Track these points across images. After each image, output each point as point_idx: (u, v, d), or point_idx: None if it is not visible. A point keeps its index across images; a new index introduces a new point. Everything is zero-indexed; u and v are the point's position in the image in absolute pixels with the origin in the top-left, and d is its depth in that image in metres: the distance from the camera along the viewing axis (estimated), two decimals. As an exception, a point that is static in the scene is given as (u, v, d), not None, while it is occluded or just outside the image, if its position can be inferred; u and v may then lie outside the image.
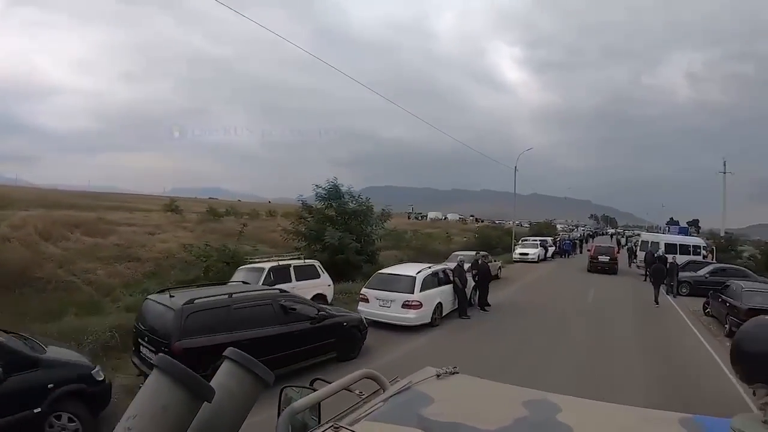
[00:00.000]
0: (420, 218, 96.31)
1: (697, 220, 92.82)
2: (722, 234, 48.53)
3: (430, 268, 16.54)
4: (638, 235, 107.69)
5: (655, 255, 27.44)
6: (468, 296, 17.92)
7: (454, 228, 63.60)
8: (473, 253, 23.08)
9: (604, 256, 33.55)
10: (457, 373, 2.16)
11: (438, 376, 2.09)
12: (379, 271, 16.84)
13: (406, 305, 14.78)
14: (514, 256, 39.09)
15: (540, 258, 39.72)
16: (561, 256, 45.49)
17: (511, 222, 56.15)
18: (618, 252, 37.54)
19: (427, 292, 15.38)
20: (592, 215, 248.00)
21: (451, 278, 17.14)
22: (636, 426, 1.75)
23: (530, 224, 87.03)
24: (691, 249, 33.88)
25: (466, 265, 18.28)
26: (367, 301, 15.33)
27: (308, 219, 23.61)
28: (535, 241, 43.57)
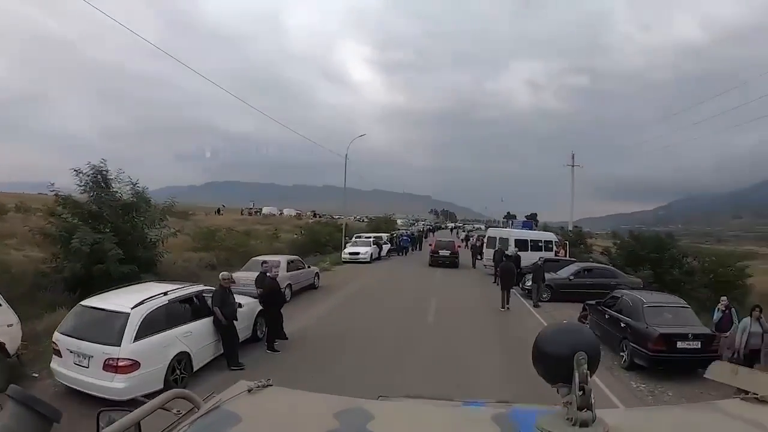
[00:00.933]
0: (254, 214, 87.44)
1: (535, 214, 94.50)
2: (571, 228, 46.47)
3: (166, 294, 9.80)
4: (477, 228, 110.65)
5: (507, 253, 23.01)
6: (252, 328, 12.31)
7: (287, 224, 57.33)
8: (285, 258, 19.68)
9: (445, 251, 33.08)
10: (271, 385, 2.02)
11: (250, 390, 1.94)
12: (81, 303, 9.58)
13: (108, 366, 8.23)
14: (343, 256, 33.33)
15: (373, 257, 34.41)
16: (398, 254, 41.19)
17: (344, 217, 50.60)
18: (459, 246, 37.41)
19: (155, 338, 8.92)
20: (432, 210, 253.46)
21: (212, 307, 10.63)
22: (448, 427, 1.72)
23: (368, 219, 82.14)
24: (543, 245, 30.14)
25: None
26: (59, 354, 8.81)
27: (64, 216, 16.30)
28: (369, 238, 38.05)
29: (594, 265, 23.22)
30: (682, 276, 23.47)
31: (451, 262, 32.45)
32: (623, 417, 1.79)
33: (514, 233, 30.17)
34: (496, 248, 27.29)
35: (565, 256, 30.66)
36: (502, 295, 18.29)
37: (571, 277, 20.70)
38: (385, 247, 38.61)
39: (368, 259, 32.92)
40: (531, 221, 53.43)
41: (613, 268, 23.15)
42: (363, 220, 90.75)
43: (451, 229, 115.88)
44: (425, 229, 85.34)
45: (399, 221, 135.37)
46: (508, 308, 18.09)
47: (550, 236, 32.71)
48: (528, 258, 23.99)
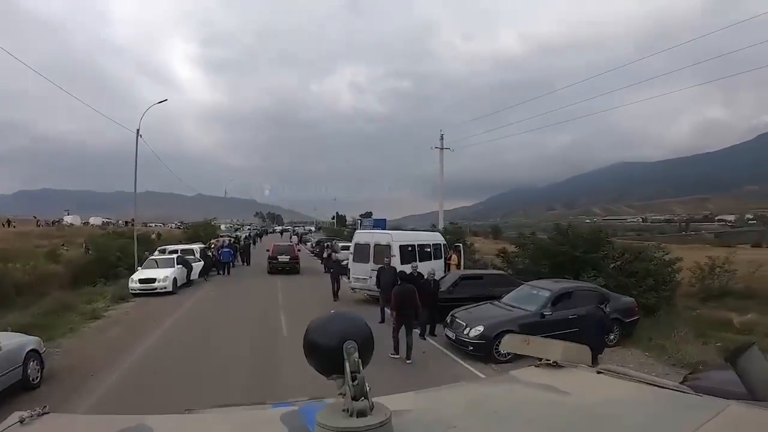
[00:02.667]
0: (52, 224, 71.09)
1: (371, 213, 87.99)
2: (442, 225, 37.78)
3: None
4: (309, 230, 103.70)
5: (406, 272, 14.30)
6: None
7: (84, 235, 44.29)
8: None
9: (284, 256, 31.23)
10: (47, 413, 1.76)
11: (22, 421, 1.68)
12: None
13: None
14: (131, 284, 22.25)
15: (179, 283, 23.67)
16: (219, 272, 30.12)
17: (136, 223, 37.97)
18: (299, 249, 36.24)
19: None
20: (257, 213, 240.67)
21: None
22: (234, 430, 1.71)
23: (183, 226, 69.49)
24: (432, 251, 21.51)
25: None
26: None
27: None
28: (171, 255, 26.09)
29: (578, 285, 14.44)
30: (627, 279, 17.12)
31: (292, 268, 30.77)
32: (412, 400, 1.83)
33: (395, 236, 20.65)
34: (377, 262, 18.38)
35: (459, 264, 23.58)
36: (395, 337, 11.92)
37: (452, 288, 16.18)
38: (198, 266, 27.21)
39: (169, 288, 22.24)
40: (384, 220, 44.57)
41: (504, 273, 19.55)
42: (179, 227, 78.59)
43: (281, 233, 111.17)
44: (252, 234, 74.68)
45: (223, 227, 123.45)
46: (409, 361, 11.65)
47: (438, 238, 23.55)
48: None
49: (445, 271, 20.51)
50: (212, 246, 32.36)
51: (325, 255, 29.35)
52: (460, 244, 25.74)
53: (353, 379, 1.32)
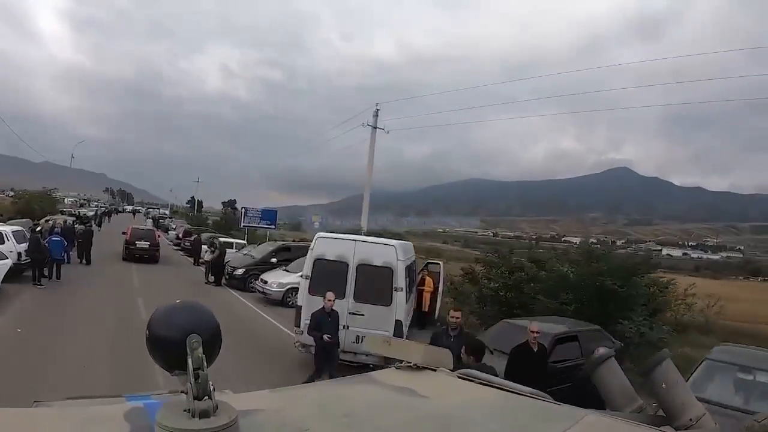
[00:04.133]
0: None
1: (234, 201, 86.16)
2: (365, 225, 34.89)
3: None
4: (164, 214, 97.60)
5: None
6: None
7: None
8: None
9: (143, 242, 28.03)
10: None
11: None
12: None
13: None
14: None
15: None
16: (44, 276, 18.58)
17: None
18: (160, 236, 33.11)
19: None
20: (107, 189, 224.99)
21: None
22: (72, 427, 1.49)
23: (13, 195, 60.38)
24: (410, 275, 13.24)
25: None
26: None
27: None
28: None
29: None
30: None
31: (151, 256, 27.88)
32: (264, 399, 1.76)
33: (400, 250, 11.49)
34: (363, 298, 10.93)
35: (436, 291, 16.71)
36: None
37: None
38: (2, 266, 15.76)
39: None
40: (273, 212, 39.06)
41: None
42: (8, 195, 69.22)
43: (133, 213, 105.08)
44: (100, 213, 67.18)
45: (67, 200, 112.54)
46: None
47: (410, 250, 14.15)
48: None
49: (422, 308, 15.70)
50: (41, 229, 22.15)
51: (206, 256, 24.41)
52: (439, 263, 18.47)
53: (196, 376, 1.22)
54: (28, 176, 56.48)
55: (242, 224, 37.52)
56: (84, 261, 24.43)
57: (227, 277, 22.09)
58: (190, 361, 1.23)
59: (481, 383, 2.05)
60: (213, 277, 22.38)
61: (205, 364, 1.24)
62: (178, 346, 1.25)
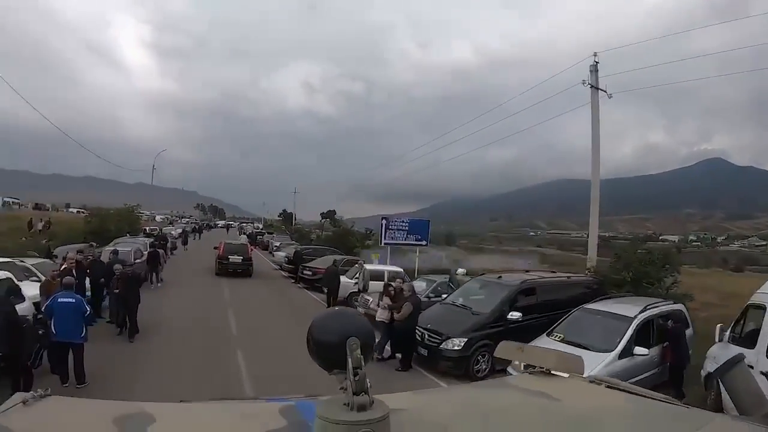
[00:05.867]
0: None
1: (334, 211, 77.27)
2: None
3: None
4: (258, 227, 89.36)
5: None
6: None
7: None
8: None
9: (236, 256, 27.38)
10: (49, 395, 1.82)
11: (25, 402, 1.74)
12: None
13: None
14: None
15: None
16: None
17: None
18: (252, 250, 31.73)
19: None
20: (198, 205, 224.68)
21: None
22: (233, 424, 1.71)
23: (85, 213, 54.11)
24: None
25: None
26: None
27: None
28: None
29: None
30: None
31: (244, 270, 27.19)
32: (407, 399, 1.84)
33: None
34: None
35: None
36: None
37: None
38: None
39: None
40: (425, 222, 29.25)
41: None
42: (78, 212, 62.61)
43: (226, 228, 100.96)
44: (187, 229, 59.64)
45: (158, 218, 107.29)
46: None
47: None
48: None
49: None
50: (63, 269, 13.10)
51: (370, 303, 15.97)
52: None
53: (355, 374, 1.34)
54: (123, 196, 51.94)
55: (384, 241, 26.38)
56: (155, 280, 21.87)
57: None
58: (350, 360, 1.34)
59: (612, 388, 2.06)
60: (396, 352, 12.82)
61: (363, 363, 1.35)
62: (338, 348, 1.35)
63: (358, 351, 1.35)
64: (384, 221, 26.44)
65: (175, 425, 1.68)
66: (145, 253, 22.90)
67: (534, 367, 2.21)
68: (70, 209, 60.88)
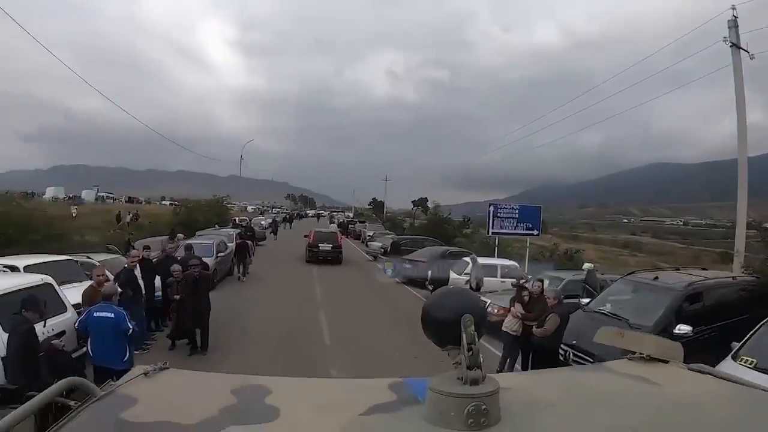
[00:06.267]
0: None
1: (426, 198, 73.97)
2: None
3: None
4: (348, 216, 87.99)
5: None
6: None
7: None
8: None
9: (326, 244, 27.50)
10: (167, 368, 1.98)
11: (146, 374, 1.90)
12: None
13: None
14: None
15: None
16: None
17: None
18: (342, 238, 31.48)
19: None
20: (289, 195, 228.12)
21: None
22: (344, 399, 1.75)
23: (174, 204, 54.22)
24: None
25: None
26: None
27: None
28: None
29: None
30: None
31: (334, 258, 27.38)
32: (513, 379, 1.91)
33: None
34: None
35: None
36: None
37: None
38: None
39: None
40: (536, 209, 25.63)
41: None
42: (171, 204, 62.35)
43: (317, 217, 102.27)
44: (277, 219, 58.75)
45: (249, 208, 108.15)
46: None
47: None
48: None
49: None
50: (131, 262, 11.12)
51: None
52: None
53: (469, 349, 1.38)
54: (216, 189, 51.32)
55: (491, 230, 23.33)
56: (241, 273, 20.53)
57: None
58: (464, 336, 1.39)
59: (713, 376, 1.99)
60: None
61: (477, 339, 1.40)
62: (452, 324, 1.40)
63: (472, 327, 1.39)
64: (492, 208, 23.24)
65: (291, 397, 1.73)
66: (231, 245, 21.34)
67: (633, 353, 2.14)
68: (163, 202, 61.17)
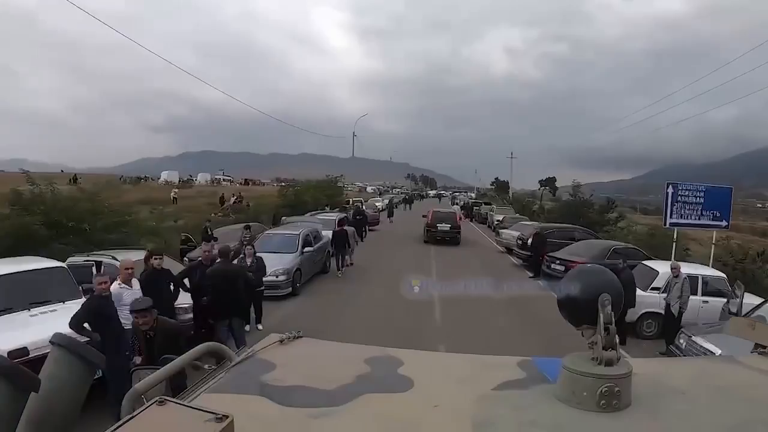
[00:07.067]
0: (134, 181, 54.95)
1: (554, 178, 67.52)
2: None
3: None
4: (471, 198, 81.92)
5: None
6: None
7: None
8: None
9: (444, 224, 26.54)
10: (301, 337, 2.10)
11: (281, 341, 2.03)
12: None
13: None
14: None
15: None
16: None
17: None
18: (461, 219, 30.97)
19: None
20: (409, 175, 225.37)
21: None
22: (475, 373, 1.77)
23: (282, 184, 51.94)
24: None
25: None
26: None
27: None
28: None
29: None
30: None
31: (452, 238, 26.42)
32: (641, 365, 1.81)
33: None
34: None
35: None
36: None
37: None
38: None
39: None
40: (727, 189, 17.94)
41: None
42: (279, 184, 59.85)
43: (439, 197, 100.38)
44: (394, 201, 54.41)
45: (370, 189, 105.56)
46: None
47: None
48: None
49: None
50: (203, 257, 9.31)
51: None
52: None
53: (606, 330, 1.37)
54: (339, 170, 48.96)
55: (669, 220, 16.92)
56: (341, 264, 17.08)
57: None
58: (601, 316, 1.37)
59: None
60: None
61: (614, 320, 1.38)
62: (589, 303, 1.39)
63: (609, 307, 1.37)
64: (670, 189, 16.59)
65: (422, 369, 1.77)
66: (327, 234, 17.49)
67: (764, 347, 2.06)
68: (281, 183, 59.82)
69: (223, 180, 79.86)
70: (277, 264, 12.64)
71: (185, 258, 13.89)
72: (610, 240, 19.77)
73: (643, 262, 13.14)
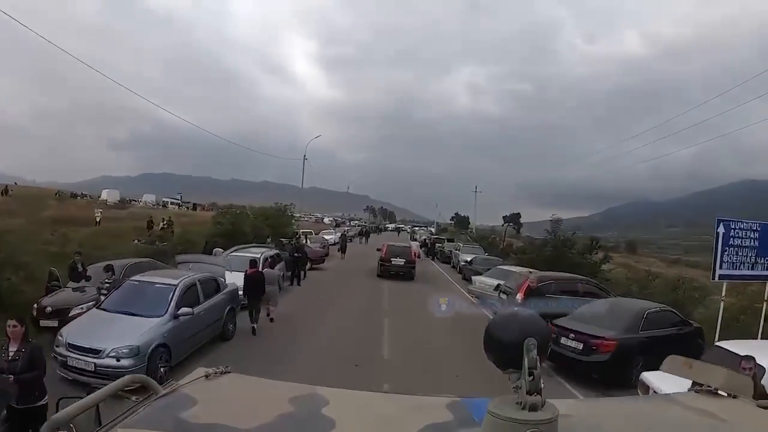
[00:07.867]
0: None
1: (519, 214, 64.38)
2: None
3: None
4: (431, 232, 78.01)
5: None
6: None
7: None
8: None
9: (398, 259, 25.73)
10: (229, 372, 2.04)
11: (207, 376, 1.96)
12: None
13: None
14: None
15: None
16: None
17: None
18: (417, 255, 29.86)
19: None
20: (367, 207, 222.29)
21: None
22: (401, 414, 1.74)
23: (217, 210, 44.73)
24: None
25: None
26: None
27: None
28: None
29: None
30: None
31: (406, 273, 25.34)
32: (574, 406, 1.84)
33: None
34: None
35: None
36: None
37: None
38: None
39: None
40: None
41: None
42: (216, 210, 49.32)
43: (397, 231, 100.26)
44: (347, 234, 47.96)
45: (326, 220, 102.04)
46: None
47: None
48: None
49: None
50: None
51: None
52: None
53: (530, 374, 1.33)
54: (295, 199, 44.10)
55: (717, 274, 12.31)
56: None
57: None
58: (525, 360, 1.33)
59: None
60: None
61: (539, 364, 1.34)
62: (515, 347, 1.35)
63: (535, 352, 1.34)
64: (722, 229, 12.17)
65: (347, 409, 1.73)
66: (228, 284, 12.32)
67: (701, 385, 2.07)
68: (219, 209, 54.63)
69: (171, 203, 73.80)
70: (121, 337, 7.82)
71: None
72: (633, 299, 14.60)
73: (718, 344, 8.71)
